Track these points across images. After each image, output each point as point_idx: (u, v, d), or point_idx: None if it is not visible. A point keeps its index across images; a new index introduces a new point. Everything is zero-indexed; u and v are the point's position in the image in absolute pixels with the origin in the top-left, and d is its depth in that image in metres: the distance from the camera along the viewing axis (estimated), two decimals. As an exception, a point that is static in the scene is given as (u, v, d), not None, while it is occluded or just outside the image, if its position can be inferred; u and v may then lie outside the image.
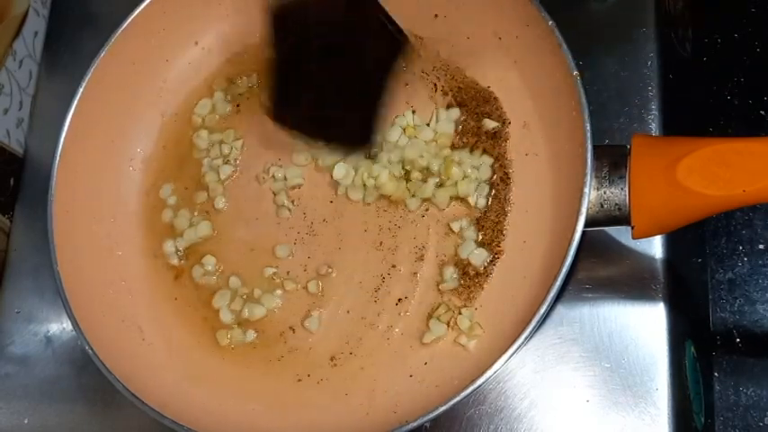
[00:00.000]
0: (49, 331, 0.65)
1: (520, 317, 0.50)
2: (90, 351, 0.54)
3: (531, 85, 0.58)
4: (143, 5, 0.60)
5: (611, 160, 0.51)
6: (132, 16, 0.60)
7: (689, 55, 0.73)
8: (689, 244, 0.66)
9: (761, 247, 0.69)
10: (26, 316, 0.66)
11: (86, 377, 0.62)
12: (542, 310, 0.48)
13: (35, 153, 0.71)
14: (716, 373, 0.66)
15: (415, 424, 0.49)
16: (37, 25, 0.73)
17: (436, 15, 0.62)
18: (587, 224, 0.49)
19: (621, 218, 0.50)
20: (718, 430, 0.65)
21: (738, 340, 0.67)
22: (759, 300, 0.68)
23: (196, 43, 0.65)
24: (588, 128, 0.50)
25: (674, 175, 0.48)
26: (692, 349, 0.58)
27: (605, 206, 0.50)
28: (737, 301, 0.68)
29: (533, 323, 0.48)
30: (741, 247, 0.69)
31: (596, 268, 0.57)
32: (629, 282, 0.56)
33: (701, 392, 0.59)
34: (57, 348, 0.64)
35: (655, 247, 0.56)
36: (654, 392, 0.53)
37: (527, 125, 0.58)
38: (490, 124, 0.59)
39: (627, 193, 0.50)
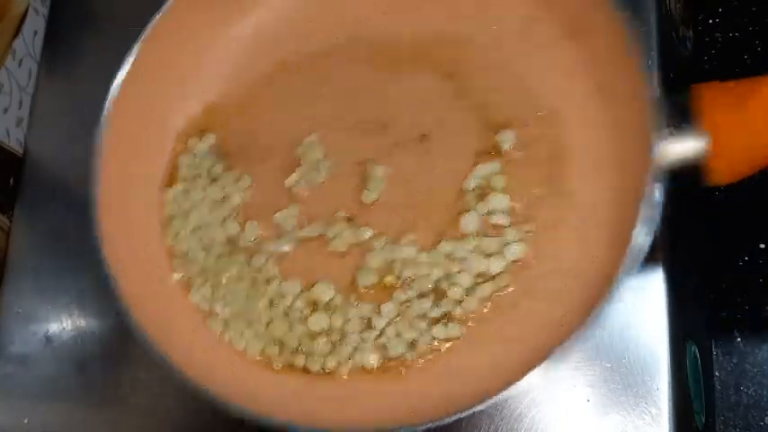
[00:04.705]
0: (48, 331, 0.65)
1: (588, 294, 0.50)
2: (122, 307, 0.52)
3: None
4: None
5: (680, 110, 0.49)
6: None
7: (689, 55, 0.73)
8: (689, 244, 0.66)
9: (761, 246, 0.69)
10: (26, 316, 0.66)
11: (86, 377, 0.62)
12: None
13: (35, 152, 0.71)
14: (716, 373, 0.66)
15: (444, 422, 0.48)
16: (37, 24, 0.73)
17: None
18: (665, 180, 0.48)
19: (697, 169, 0.49)
20: (719, 430, 0.65)
21: (739, 340, 0.67)
22: (759, 300, 0.68)
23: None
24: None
25: (745, 115, 0.48)
26: (693, 349, 0.58)
27: (679, 159, 0.49)
28: (737, 301, 0.68)
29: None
30: (741, 247, 0.69)
31: (597, 268, 0.57)
32: (629, 282, 0.56)
33: (701, 392, 0.59)
34: (56, 348, 0.64)
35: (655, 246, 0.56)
36: (654, 392, 0.53)
37: (587, 98, 0.55)
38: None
39: (702, 142, 0.49)
